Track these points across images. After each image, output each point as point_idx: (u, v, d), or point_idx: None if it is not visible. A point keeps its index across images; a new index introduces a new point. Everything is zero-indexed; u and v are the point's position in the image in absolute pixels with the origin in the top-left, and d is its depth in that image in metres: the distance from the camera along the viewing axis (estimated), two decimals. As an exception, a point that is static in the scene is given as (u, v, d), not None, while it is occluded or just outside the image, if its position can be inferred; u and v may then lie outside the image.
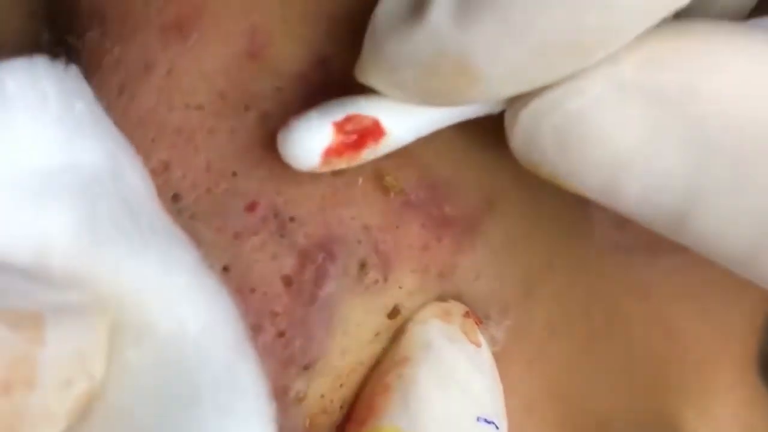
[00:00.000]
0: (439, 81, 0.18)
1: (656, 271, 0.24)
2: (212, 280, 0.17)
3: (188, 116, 0.21)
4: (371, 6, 0.19)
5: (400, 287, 0.21)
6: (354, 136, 0.19)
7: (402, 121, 0.19)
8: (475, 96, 0.18)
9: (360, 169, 0.21)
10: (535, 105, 0.19)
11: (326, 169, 0.19)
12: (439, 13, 0.17)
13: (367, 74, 0.19)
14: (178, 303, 0.17)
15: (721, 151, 0.18)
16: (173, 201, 0.20)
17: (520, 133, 0.19)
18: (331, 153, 0.19)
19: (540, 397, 0.23)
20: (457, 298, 0.22)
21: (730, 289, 0.24)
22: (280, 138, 0.19)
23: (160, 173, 0.20)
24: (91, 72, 0.21)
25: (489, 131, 0.21)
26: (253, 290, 0.20)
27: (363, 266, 0.21)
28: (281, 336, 0.20)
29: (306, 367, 0.20)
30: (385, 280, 0.21)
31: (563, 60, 0.18)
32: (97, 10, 0.22)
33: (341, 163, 0.19)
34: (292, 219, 0.21)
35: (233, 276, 0.20)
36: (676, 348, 0.24)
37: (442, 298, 0.22)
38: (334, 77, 0.21)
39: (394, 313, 0.21)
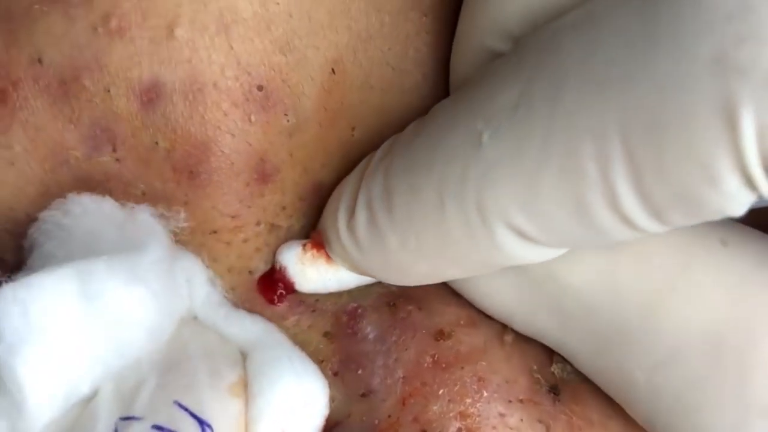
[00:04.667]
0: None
1: None
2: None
3: (206, 239, 0.24)
4: (361, 142, 0.25)
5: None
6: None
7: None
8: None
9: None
10: None
11: (312, 263, 0.24)
12: (347, 237, 0.23)
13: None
14: None
15: (577, 320, 0.22)
16: None
17: None
18: (307, 246, 0.24)
19: None
20: None
21: None
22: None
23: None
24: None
25: None
26: None
27: (394, 305, 0.24)
28: (335, 375, 0.24)
29: (364, 395, 0.24)
30: (420, 309, 0.24)
31: None
32: (105, 130, 0.23)
33: (321, 257, 0.24)
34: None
35: None
36: None
37: None
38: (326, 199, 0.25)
39: (439, 335, 0.24)
